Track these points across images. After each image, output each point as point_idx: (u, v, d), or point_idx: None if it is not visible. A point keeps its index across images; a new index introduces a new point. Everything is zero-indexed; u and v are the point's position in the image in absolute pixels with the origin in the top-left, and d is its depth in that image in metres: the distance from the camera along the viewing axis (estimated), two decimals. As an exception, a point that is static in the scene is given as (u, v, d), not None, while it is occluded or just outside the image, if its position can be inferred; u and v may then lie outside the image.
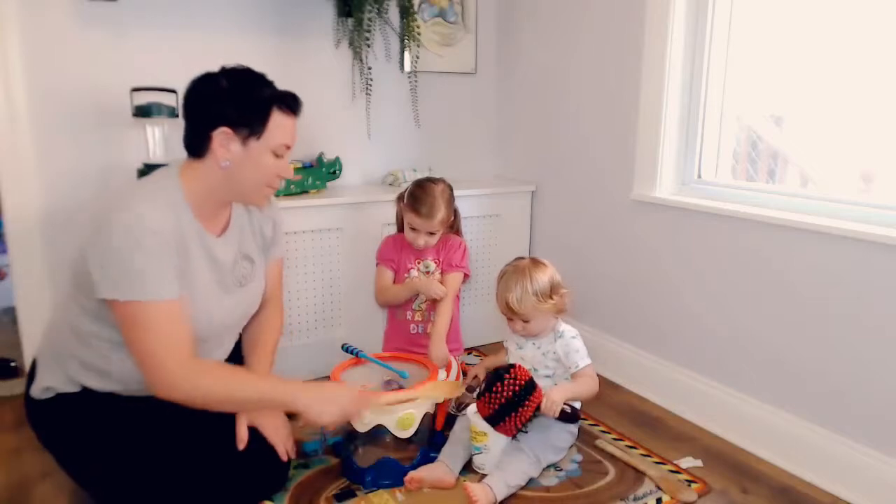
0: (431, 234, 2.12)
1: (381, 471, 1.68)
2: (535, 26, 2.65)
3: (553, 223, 2.69)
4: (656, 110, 2.12)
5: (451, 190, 2.18)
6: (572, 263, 2.42)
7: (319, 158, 2.45)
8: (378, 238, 2.34)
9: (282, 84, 1.50)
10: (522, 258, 1.90)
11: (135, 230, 1.30)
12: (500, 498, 1.60)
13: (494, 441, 1.72)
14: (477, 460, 1.75)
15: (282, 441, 1.56)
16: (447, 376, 1.91)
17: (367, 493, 1.66)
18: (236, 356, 1.70)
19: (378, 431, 1.65)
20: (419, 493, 1.65)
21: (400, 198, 2.18)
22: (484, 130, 2.93)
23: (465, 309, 2.54)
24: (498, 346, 2.17)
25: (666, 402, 2.19)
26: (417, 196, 2.09)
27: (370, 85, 2.55)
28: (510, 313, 1.84)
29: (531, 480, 1.70)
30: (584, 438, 1.93)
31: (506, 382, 1.70)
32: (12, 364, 2.30)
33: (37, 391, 1.48)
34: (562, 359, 1.84)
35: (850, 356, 1.68)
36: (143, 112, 2.06)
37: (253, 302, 1.66)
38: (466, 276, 2.25)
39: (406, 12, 2.54)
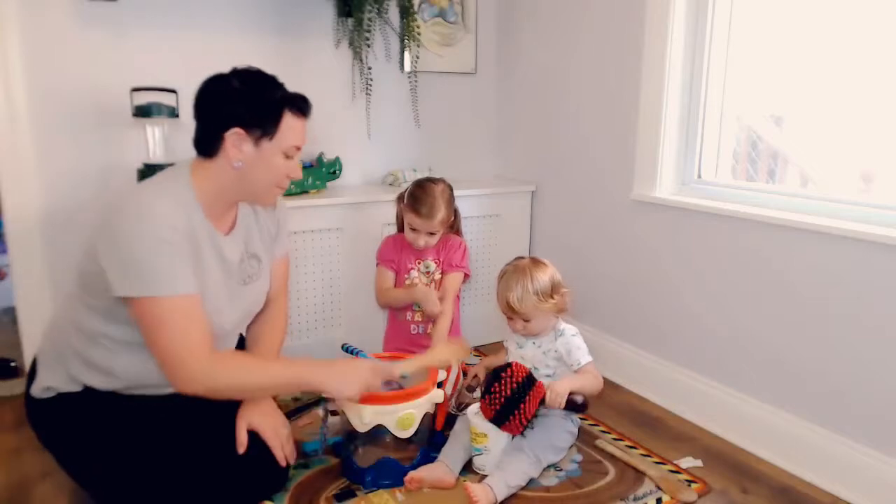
0: (432, 234, 2.12)
1: (381, 471, 1.68)
2: (535, 26, 2.65)
3: (553, 223, 2.69)
4: (656, 110, 2.12)
5: (451, 190, 2.18)
6: (572, 263, 2.42)
7: (319, 158, 2.46)
8: (378, 238, 2.34)
9: (281, 84, 1.50)
10: (523, 258, 1.91)
11: (150, 227, 1.31)
12: (500, 498, 1.60)
13: (495, 442, 1.72)
14: (477, 461, 1.75)
15: (281, 445, 1.56)
16: (447, 377, 1.91)
17: (367, 493, 1.66)
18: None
19: (378, 431, 1.65)
20: (419, 493, 1.65)
21: (400, 198, 2.18)
22: (484, 130, 2.93)
23: (465, 309, 2.54)
24: (498, 346, 2.17)
25: (666, 402, 2.19)
26: (417, 196, 2.09)
27: (370, 85, 2.55)
28: (511, 312, 1.84)
29: (531, 480, 1.70)
30: (584, 438, 1.93)
31: (503, 381, 1.70)
32: (12, 364, 2.30)
33: (37, 390, 1.48)
34: (564, 357, 1.84)
35: (850, 356, 1.68)
36: (143, 112, 2.06)
37: (257, 301, 1.66)
38: (467, 276, 2.25)
39: (406, 12, 2.54)
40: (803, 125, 2.05)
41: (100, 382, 1.45)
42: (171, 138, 2.13)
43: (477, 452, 1.74)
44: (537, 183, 2.73)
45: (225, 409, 1.52)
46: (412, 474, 1.65)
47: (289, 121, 1.45)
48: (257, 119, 1.42)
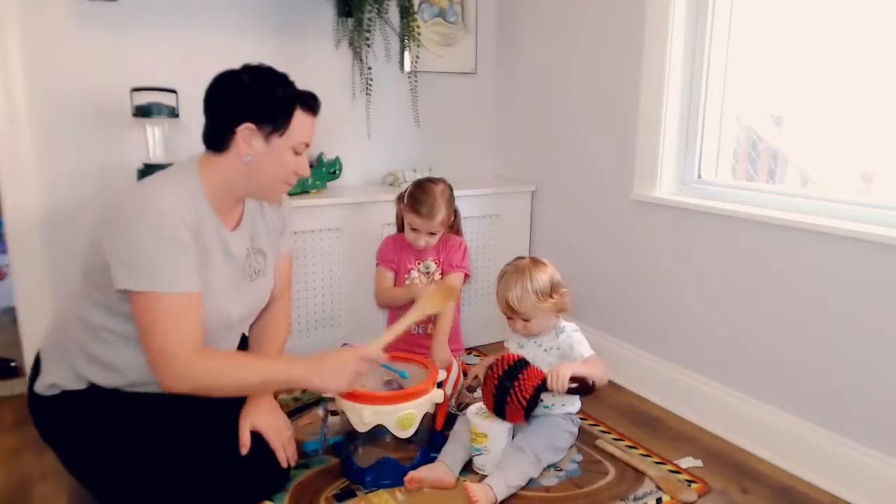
0: (432, 234, 2.12)
1: (381, 471, 1.68)
2: (535, 26, 2.65)
3: (553, 223, 2.69)
4: (656, 110, 2.12)
5: (452, 190, 2.18)
6: (572, 263, 2.42)
7: (319, 158, 2.46)
8: (378, 238, 2.34)
9: (282, 84, 1.49)
10: (522, 258, 1.91)
11: (155, 222, 1.32)
12: (500, 498, 1.60)
13: (495, 442, 1.72)
14: (477, 461, 1.75)
15: (282, 446, 1.57)
16: (447, 377, 1.91)
17: (367, 493, 1.66)
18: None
19: (378, 431, 1.65)
20: (419, 493, 1.65)
21: (400, 198, 2.18)
22: (484, 130, 2.93)
23: (465, 309, 2.54)
24: (499, 347, 2.16)
25: (666, 402, 2.19)
26: (417, 196, 2.09)
27: (370, 85, 2.55)
28: (510, 312, 1.84)
29: (531, 480, 1.70)
30: (584, 438, 1.93)
31: (494, 367, 1.72)
32: (12, 364, 2.30)
33: (41, 387, 1.48)
34: (566, 353, 1.83)
35: (850, 356, 1.68)
36: (143, 112, 2.06)
37: (262, 297, 1.67)
38: (467, 276, 2.24)
39: (406, 12, 2.54)
40: (803, 125, 2.05)
41: (104, 379, 1.46)
42: (171, 138, 2.13)
43: (477, 452, 1.74)
44: (537, 183, 2.73)
45: (227, 409, 1.53)
46: (412, 474, 1.65)
47: (299, 117, 1.47)
48: (269, 115, 1.43)
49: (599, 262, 2.44)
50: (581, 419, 1.97)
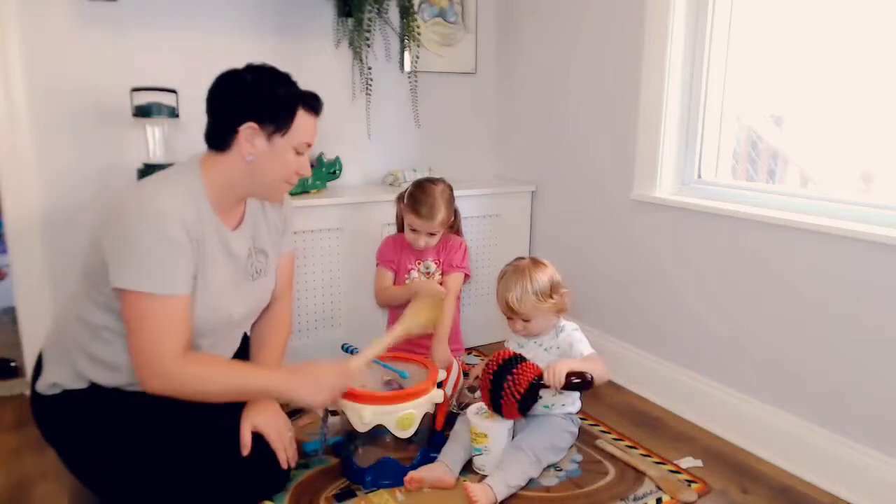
0: (432, 234, 2.12)
1: (381, 471, 1.68)
2: (535, 26, 2.65)
3: (553, 223, 2.69)
4: (656, 110, 2.12)
5: (451, 190, 2.18)
6: (572, 263, 2.42)
7: (319, 158, 2.46)
8: (378, 238, 2.34)
9: (282, 84, 1.50)
10: (522, 258, 1.91)
11: (156, 222, 1.32)
12: (500, 498, 1.60)
13: (495, 442, 1.72)
14: (477, 462, 1.75)
15: (283, 447, 1.56)
16: (447, 377, 1.91)
17: (367, 493, 1.66)
18: (243, 355, 1.70)
19: (378, 431, 1.65)
20: (419, 493, 1.65)
21: (400, 198, 2.18)
22: (484, 130, 2.93)
23: (465, 309, 2.54)
24: (499, 347, 2.16)
25: (666, 402, 2.19)
26: (417, 197, 2.09)
27: (370, 85, 2.55)
28: (510, 313, 1.84)
29: (531, 480, 1.70)
30: (584, 438, 1.93)
31: (488, 365, 1.73)
32: (12, 364, 2.30)
33: (43, 387, 1.48)
34: (566, 351, 1.83)
35: (850, 356, 1.68)
36: (143, 112, 2.06)
37: (263, 297, 1.67)
38: (467, 276, 2.25)
39: (406, 12, 2.54)
40: (803, 125, 2.05)
41: (104, 378, 1.46)
42: (171, 138, 2.13)
43: (477, 452, 1.74)
44: (537, 183, 2.73)
45: (228, 409, 1.53)
46: (412, 474, 1.65)
47: (302, 118, 1.47)
48: (271, 115, 1.43)
49: (599, 262, 2.44)
50: (581, 419, 1.97)
